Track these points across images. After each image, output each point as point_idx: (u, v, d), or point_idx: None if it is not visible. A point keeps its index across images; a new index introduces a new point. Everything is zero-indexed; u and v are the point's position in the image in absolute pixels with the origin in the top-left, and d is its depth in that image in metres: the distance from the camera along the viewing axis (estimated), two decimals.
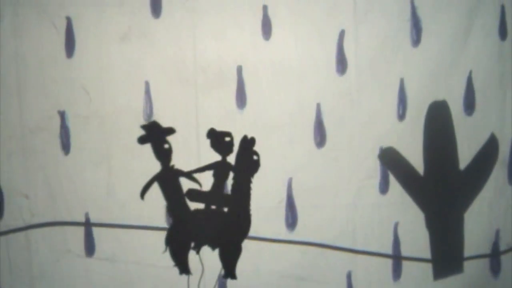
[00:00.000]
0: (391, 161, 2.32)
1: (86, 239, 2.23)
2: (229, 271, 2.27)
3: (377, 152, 2.31)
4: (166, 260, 2.25)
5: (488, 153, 2.40)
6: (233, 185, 2.25)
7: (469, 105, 2.37)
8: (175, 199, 2.23)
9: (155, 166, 2.22)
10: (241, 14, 2.22)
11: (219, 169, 2.24)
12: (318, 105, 2.27)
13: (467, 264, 2.40)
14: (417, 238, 2.37)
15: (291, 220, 2.29)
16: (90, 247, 2.24)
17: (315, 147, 2.28)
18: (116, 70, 2.18)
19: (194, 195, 2.24)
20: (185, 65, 2.20)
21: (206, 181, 2.25)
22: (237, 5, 2.22)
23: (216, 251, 2.27)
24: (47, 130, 2.18)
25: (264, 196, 2.26)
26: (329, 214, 2.31)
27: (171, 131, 2.20)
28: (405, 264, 2.37)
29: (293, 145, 2.27)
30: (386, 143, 2.31)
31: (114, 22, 2.17)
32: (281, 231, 2.29)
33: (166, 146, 2.20)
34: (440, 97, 2.34)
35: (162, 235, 2.25)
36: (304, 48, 2.25)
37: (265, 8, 2.23)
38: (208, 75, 2.22)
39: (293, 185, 2.28)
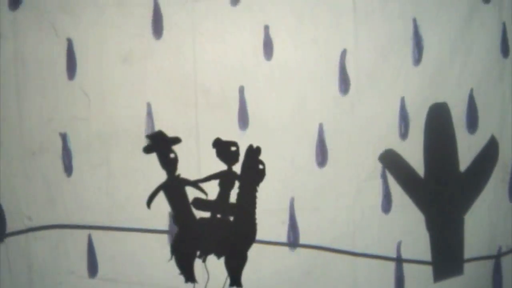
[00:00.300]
0: (391, 163, 2.32)
1: (89, 260, 2.24)
2: (235, 279, 2.27)
3: (379, 172, 2.32)
4: (170, 280, 2.25)
5: (488, 155, 2.40)
6: (239, 194, 2.25)
7: (472, 123, 2.38)
8: (181, 208, 2.23)
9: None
10: (242, 34, 2.22)
11: (225, 178, 2.24)
12: (321, 125, 2.27)
13: (467, 266, 2.41)
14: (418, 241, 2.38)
15: (293, 239, 2.29)
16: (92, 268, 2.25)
17: (317, 167, 2.28)
18: (118, 91, 2.18)
19: (200, 204, 2.24)
20: (186, 86, 2.20)
21: (212, 190, 2.25)
22: (239, 25, 2.21)
23: (222, 259, 2.28)
24: (49, 152, 2.17)
25: (267, 215, 2.26)
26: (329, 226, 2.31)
27: (176, 140, 2.20)
28: (406, 266, 2.37)
29: (295, 165, 2.27)
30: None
31: (115, 43, 2.16)
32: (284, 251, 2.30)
33: (172, 155, 2.20)
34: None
35: (166, 251, 2.25)
36: (306, 67, 2.25)
37: (266, 28, 2.22)
38: (210, 96, 2.21)
39: (295, 205, 2.28)
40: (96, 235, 2.22)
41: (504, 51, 2.38)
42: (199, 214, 2.25)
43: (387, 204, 2.33)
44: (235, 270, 2.26)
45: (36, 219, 2.20)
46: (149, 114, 2.19)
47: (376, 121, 2.29)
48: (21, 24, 2.14)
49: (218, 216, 2.25)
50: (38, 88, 2.15)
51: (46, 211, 2.19)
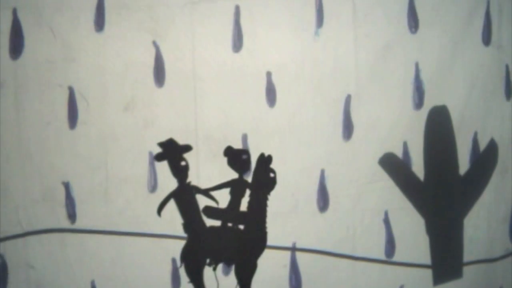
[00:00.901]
0: (391, 166, 2.31)
1: None
2: (245, 287, 2.29)
3: (382, 217, 2.33)
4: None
5: (488, 158, 2.40)
6: (250, 203, 2.25)
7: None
8: (191, 215, 2.23)
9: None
10: (244, 81, 2.21)
11: (236, 187, 2.24)
12: (322, 171, 2.27)
13: (466, 270, 2.41)
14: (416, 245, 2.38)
15: (295, 284, 2.31)
16: None
17: (319, 212, 2.28)
18: (120, 140, 2.17)
19: (211, 212, 2.24)
20: (188, 134, 2.19)
21: (223, 198, 2.25)
22: (241, 72, 2.20)
23: (231, 267, 2.28)
24: (51, 201, 2.18)
25: (269, 261, 2.27)
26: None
27: (188, 148, 2.20)
28: (405, 270, 2.37)
29: (297, 210, 2.27)
30: (393, 207, 2.33)
31: (117, 92, 2.16)
32: None
33: (183, 163, 2.21)
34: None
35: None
36: (309, 114, 2.24)
37: (269, 74, 2.21)
38: (212, 144, 2.21)
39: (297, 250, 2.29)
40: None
41: (507, 93, 2.37)
42: (210, 222, 2.26)
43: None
44: (245, 278, 2.27)
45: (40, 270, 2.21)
46: (151, 163, 2.19)
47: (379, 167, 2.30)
48: (22, 73, 2.14)
49: (229, 224, 2.26)
50: (40, 136, 2.15)
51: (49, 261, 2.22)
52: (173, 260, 2.24)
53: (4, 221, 2.18)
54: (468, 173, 2.37)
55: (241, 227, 2.27)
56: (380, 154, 2.29)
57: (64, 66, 2.14)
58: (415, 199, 2.34)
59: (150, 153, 2.19)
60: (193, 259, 2.24)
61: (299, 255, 2.29)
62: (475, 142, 2.36)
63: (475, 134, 2.35)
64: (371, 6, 2.24)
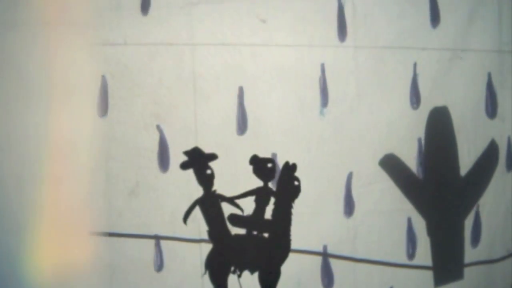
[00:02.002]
0: (392, 167, 2.33)
1: None
2: None
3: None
4: None
5: (489, 159, 2.42)
6: (274, 211, 2.27)
7: (476, 238, 2.41)
8: (216, 223, 2.24)
9: None
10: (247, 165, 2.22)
11: (261, 195, 2.26)
12: (325, 247, 2.29)
13: (467, 271, 2.43)
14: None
15: None
16: None
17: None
18: (125, 224, 2.17)
19: (236, 220, 2.25)
20: (193, 219, 2.20)
21: (248, 206, 2.25)
22: (246, 154, 2.21)
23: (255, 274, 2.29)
24: None
25: None
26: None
27: (213, 157, 2.21)
28: (405, 271, 2.38)
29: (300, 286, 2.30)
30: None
31: (121, 177, 2.15)
32: None
33: (208, 171, 2.22)
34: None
35: None
36: (311, 190, 2.25)
37: (274, 155, 2.23)
38: None
39: None
40: None
41: (509, 165, 2.39)
42: (235, 230, 2.26)
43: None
44: (269, 286, 2.29)
45: None
46: (157, 245, 2.20)
47: (382, 242, 2.32)
48: None
49: (254, 232, 2.27)
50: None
51: None
52: None
53: None
54: (469, 174, 2.38)
55: (266, 235, 2.28)
56: (384, 229, 2.31)
57: None
58: (416, 200, 2.35)
59: (156, 236, 2.19)
60: (218, 267, 2.25)
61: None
62: (477, 215, 2.38)
63: (477, 206, 2.38)
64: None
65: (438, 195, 2.35)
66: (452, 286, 2.41)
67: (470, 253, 2.39)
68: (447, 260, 2.40)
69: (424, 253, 2.36)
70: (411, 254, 2.35)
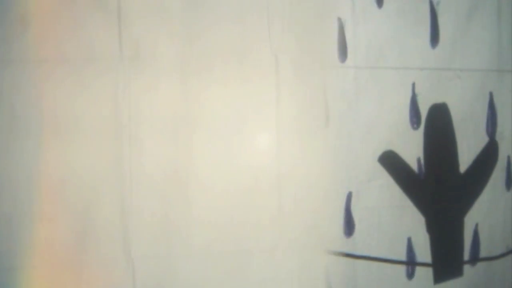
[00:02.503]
0: (390, 164, 2.31)
1: None
2: None
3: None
4: None
5: (488, 156, 2.41)
6: None
7: (475, 255, 2.40)
8: None
9: None
10: None
11: None
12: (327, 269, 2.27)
13: (466, 268, 2.42)
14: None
15: None
16: None
17: None
18: None
19: None
20: None
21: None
22: None
23: None
24: None
25: None
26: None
27: None
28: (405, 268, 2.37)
29: None
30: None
31: None
32: None
33: None
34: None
35: None
36: (311, 215, 2.21)
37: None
38: None
39: None
40: None
41: (508, 184, 2.39)
42: None
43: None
44: None
45: None
46: None
47: (382, 265, 2.30)
48: None
49: None
50: None
51: None
52: None
53: None
54: (468, 170, 2.37)
55: None
56: (383, 250, 2.29)
57: None
58: (415, 197, 2.33)
59: None
60: None
61: None
62: (475, 234, 2.38)
63: (476, 225, 2.37)
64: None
65: (437, 192, 2.35)
66: (451, 283, 2.40)
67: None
68: (446, 257, 2.38)
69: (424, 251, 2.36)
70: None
